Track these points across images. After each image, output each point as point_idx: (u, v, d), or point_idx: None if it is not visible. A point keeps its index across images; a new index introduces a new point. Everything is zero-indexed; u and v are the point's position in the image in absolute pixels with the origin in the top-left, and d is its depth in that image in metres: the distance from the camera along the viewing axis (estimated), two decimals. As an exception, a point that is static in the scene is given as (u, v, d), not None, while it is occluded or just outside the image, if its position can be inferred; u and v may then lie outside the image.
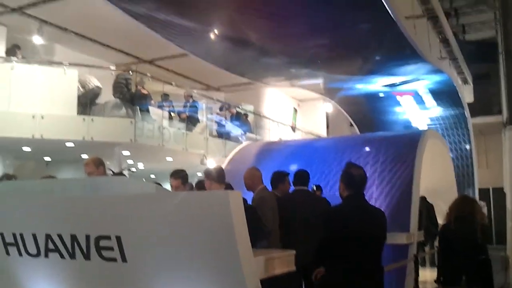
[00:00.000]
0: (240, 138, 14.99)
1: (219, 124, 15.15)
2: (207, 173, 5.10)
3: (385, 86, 16.04)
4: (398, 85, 15.88)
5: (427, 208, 9.82)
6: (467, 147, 18.69)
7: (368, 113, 18.96)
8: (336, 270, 3.90)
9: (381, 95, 16.99)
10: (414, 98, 17.28)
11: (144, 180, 8.86)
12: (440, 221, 10.56)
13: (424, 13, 13.93)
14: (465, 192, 17.12)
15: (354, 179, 4.02)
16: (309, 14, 10.67)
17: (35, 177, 11.70)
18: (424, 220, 8.90)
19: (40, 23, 12.88)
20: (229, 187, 5.69)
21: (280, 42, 12.41)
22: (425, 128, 17.80)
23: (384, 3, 9.39)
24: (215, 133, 14.94)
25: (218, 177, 4.99)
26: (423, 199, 9.88)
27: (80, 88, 11.47)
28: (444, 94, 16.96)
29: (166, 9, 10.70)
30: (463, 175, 18.29)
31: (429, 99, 17.11)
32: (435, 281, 5.73)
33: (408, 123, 18.91)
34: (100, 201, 3.68)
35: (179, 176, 5.76)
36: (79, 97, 11.21)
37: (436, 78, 15.31)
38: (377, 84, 15.83)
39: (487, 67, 23.30)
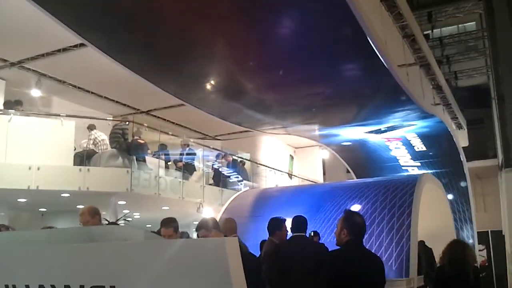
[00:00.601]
0: (237, 186, 14.95)
1: (216, 170, 15.15)
2: (204, 224, 5.07)
3: (369, 132, 16.22)
4: (383, 131, 16.05)
5: (426, 253, 9.69)
6: (463, 185, 18.64)
7: (363, 159, 19.06)
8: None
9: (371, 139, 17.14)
10: (402, 143, 17.43)
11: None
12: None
13: (416, 61, 14.20)
14: (464, 235, 17.04)
15: (357, 225, 4.15)
16: (304, 64, 10.85)
17: (30, 228, 11.62)
18: (424, 264, 8.77)
19: (38, 76, 13.12)
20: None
21: (276, 91, 12.57)
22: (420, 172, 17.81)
23: (377, 53, 9.58)
24: (211, 181, 14.93)
25: (214, 226, 4.98)
26: (421, 244, 9.77)
27: (91, 145, 11.68)
28: (437, 139, 17.09)
29: (163, 61, 10.89)
30: (461, 219, 18.21)
31: (418, 143, 17.25)
32: None
33: (400, 168, 18.97)
34: (94, 250, 3.63)
35: (171, 225, 5.71)
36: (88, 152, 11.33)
37: (429, 123, 15.45)
38: (361, 130, 16.02)
39: (481, 112, 23.64)
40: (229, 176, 15.32)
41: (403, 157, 18.33)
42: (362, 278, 3.90)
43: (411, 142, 17.17)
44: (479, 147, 22.70)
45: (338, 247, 4.17)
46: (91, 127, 12.27)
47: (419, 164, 18.33)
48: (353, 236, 4.08)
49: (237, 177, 15.45)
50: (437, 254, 10.19)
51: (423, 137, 16.67)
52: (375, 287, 4.06)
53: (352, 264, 3.96)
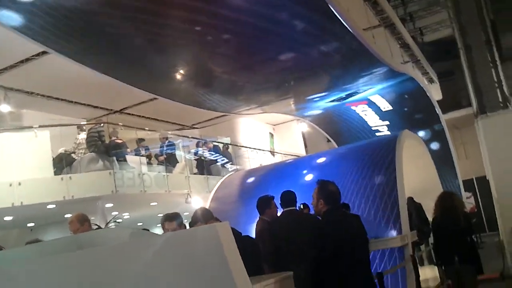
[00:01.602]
0: (220, 172, 14.94)
1: (199, 159, 15.11)
2: (199, 217, 5.08)
3: (331, 101, 16.39)
4: (345, 98, 16.23)
5: (416, 208, 9.88)
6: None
7: (340, 126, 19.27)
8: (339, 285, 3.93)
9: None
10: (368, 105, 17.62)
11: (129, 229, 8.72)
12: (430, 218, 10.66)
13: (380, 22, 14.28)
14: (449, 184, 17.35)
15: (332, 194, 4.28)
16: (270, 41, 10.83)
17: (20, 245, 11.47)
18: (415, 220, 8.93)
19: (4, 91, 12.85)
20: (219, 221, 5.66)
21: (246, 72, 12.54)
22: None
23: (341, 20, 9.58)
24: (195, 170, 14.90)
25: (204, 218, 4.99)
26: (410, 200, 9.94)
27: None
28: (409, 96, 17.29)
29: (128, 57, 10.76)
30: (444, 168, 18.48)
31: (383, 103, 17.45)
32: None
33: (370, 129, 19.19)
34: (86, 255, 3.61)
35: (174, 220, 5.68)
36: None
37: (399, 82, 15.60)
38: (327, 100, 16.17)
39: (450, 64, 23.90)
40: (215, 160, 15.32)
41: (372, 119, 18.54)
42: (346, 242, 4.03)
43: (376, 103, 17.36)
44: (453, 98, 23.01)
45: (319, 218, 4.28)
46: (81, 128, 12.15)
47: (387, 123, 18.52)
48: (330, 205, 4.21)
49: (223, 159, 15.46)
50: (427, 208, 10.42)
51: (389, 96, 16.84)
52: (360, 247, 4.21)
53: (334, 232, 4.07)
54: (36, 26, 8.51)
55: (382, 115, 18.21)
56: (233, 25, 9.90)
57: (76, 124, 12.92)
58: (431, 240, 10.00)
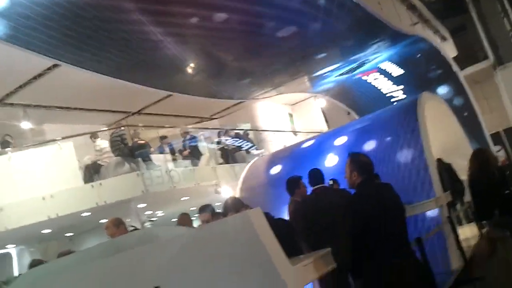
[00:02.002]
0: (245, 158, 14.99)
1: (222, 148, 15.17)
2: (225, 209, 5.15)
3: (341, 74, 16.22)
4: (355, 69, 16.04)
5: (445, 169, 9.75)
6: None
7: (356, 97, 19.11)
8: (378, 255, 3.94)
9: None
10: (379, 73, 17.41)
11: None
12: (463, 176, 10.54)
13: (384, -14, 14.03)
14: (477, 140, 17.10)
15: (365, 164, 4.23)
16: (275, 21, 10.76)
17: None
18: (447, 180, 8.83)
19: (23, 108, 13.03)
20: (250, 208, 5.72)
21: (255, 55, 12.49)
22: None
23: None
24: (221, 160, 14.97)
25: (235, 207, 5.04)
26: (439, 161, 9.83)
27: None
28: (423, 56, 17.01)
29: (140, 59, 10.81)
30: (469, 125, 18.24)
31: (394, 69, 17.22)
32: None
33: (385, 97, 18.98)
34: (126, 258, 3.68)
35: (207, 210, 5.77)
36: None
37: (411, 44, 15.35)
38: (335, 75, 16.02)
39: (461, 19, 23.47)
40: (240, 147, 15.39)
41: (385, 86, 18.35)
42: (380, 213, 4.00)
43: (387, 69, 17.15)
44: (468, 53, 22.61)
45: (354, 190, 4.25)
46: (94, 137, 12.27)
47: (402, 87, 18.30)
48: (364, 175, 4.17)
49: (247, 144, 15.52)
50: (457, 167, 10.31)
51: (400, 60, 16.60)
52: (396, 216, 4.18)
53: (367, 205, 4.05)
54: (42, 40, 8.58)
55: (395, 80, 18.01)
56: (232, 5, 9.84)
57: (97, 131, 13.07)
58: (466, 198, 9.94)
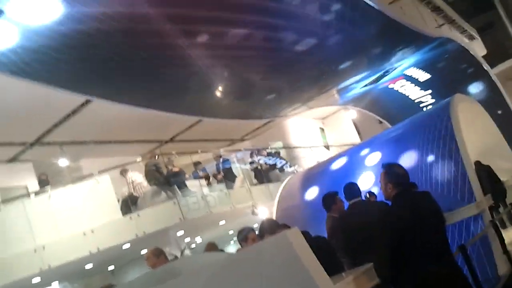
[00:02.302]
0: (280, 177, 14.92)
1: (256, 169, 15.15)
2: (261, 232, 5.10)
3: (365, 86, 16.06)
4: (381, 78, 15.85)
5: (485, 171, 9.49)
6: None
7: (388, 105, 18.88)
8: (418, 266, 3.82)
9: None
10: (406, 79, 17.17)
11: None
12: (503, 177, 10.23)
13: (405, -9, 13.93)
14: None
15: (400, 176, 4.15)
16: (300, 37, 10.76)
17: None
18: (487, 183, 8.57)
19: (59, 146, 13.32)
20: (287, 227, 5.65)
21: (282, 72, 12.50)
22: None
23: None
24: (255, 181, 14.95)
25: (271, 229, 4.99)
26: (478, 164, 9.58)
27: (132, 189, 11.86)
28: (451, 57, 16.72)
29: (169, 88, 10.95)
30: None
31: (420, 74, 16.95)
32: None
33: (413, 103, 18.68)
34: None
35: (246, 233, 5.69)
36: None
37: (438, 46, 15.12)
38: (360, 86, 15.87)
39: (488, 16, 23.09)
40: (274, 166, 15.37)
41: (413, 92, 18.09)
42: (417, 224, 3.89)
43: (413, 75, 16.90)
44: (498, 50, 22.17)
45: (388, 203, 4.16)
46: (124, 172, 12.42)
47: (430, 91, 17.98)
48: (399, 187, 4.07)
49: (281, 162, 15.50)
50: (497, 168, 10.02)
51: (425, 65, 16.33)
52: (441, 223, 4.08)
53: (407, 216, 3.94)
54: (73, 78, 8.79)
55: (422, 85, 17.75)
56: (257, 24, 9.88)
57: (132, 162, 13.25)
58: (508, 200, 9.64)
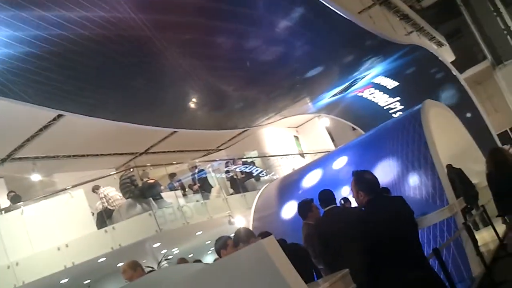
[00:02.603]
0: (256, 186, 14.95)
1: (231, 178, 15.16)
2: (236, 241, 5.11)
3: (335, 95, 16.28)
4: (348, 88, 16.10)
5: (457, 174, 9.69)
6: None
7: (359, 112, 19.13)
8: (392, 271, 3.87)
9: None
10: (374, 88, 17.45)
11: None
12: (474, 180, 10.44)
13: (374, 1, 14.14)
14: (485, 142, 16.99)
15: (370, 182, 4.18)
16: (271, 49, 10.83)
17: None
18: (459, 186, 8.75)
19: (32, 160, 13.15)
20: (266, 235, 5.67)
21: (255, 83, 12.56)
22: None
23: (334, 9, 9.54)
24: (231, 191, 14.95)
25: (246, 238, 5.01)
26: (450, 167, 9.77)
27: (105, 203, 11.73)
28: (420, 64, 17.02)
29: (141, 101, 10.89)
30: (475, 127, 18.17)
31: (388, 82, 17.25)
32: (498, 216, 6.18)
33: (382, 109, 18.99)
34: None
35: (222, 242, 5.68)
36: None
37: (404, 53, 15.38)
38: (329, 95, 16.08)
39: (456, 23, 23.61)
40: (250, 174, 15.39)
41: (381, 99, 18.38)
42: (390, 228, 3.95)
43: (381, 83, 17.19)
44: (467, 55, 22.66)
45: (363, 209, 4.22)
46: (96, 188, 12.28)
47: (398, 98, 18.30)
48: (371, 194, 4.12)
49: (257, 170, 15.54)
50: (468, 172, 10.23)
51: (394, 73, 16.61)
52: (414, 227, 4.15)
53: (380, 221, 3.99)
54: (44, 92, 8.68)
55: (391, 92, 18.03)
56: (231, 38, 9.92)
57: (106, 176, 13.11)
58: (480, 202, 9.83)
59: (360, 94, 17.68)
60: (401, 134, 8.22)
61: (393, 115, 18.18)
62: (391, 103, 18.65)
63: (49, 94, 8.84)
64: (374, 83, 17.00)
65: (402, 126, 8.60)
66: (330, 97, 16.49)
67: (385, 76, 16.72)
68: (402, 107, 18.30)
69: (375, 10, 13.76)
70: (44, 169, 13.65)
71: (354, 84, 16.10)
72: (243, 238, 5.04)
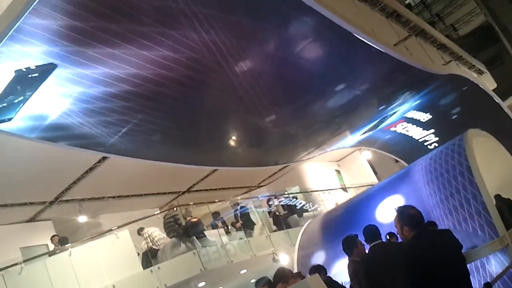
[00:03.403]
0: (299, 222, 14.85)
1: (274, 215, 15.13)
2: (277, 278, 5.14)
3: (366, 132, 16.12)
4: (378, 125, 15.93)
5: (506, 204, 9.38)
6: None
7: (398, 145, 18.84)
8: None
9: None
10: (407, 122, 17.21)
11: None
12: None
13: (410, 32, 14.15)
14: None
15: (414, 218, 4.15)
16: (311, 84, 10.88)
17: None
18: (509, 216, 8.45)
19: (79, 203, 13.49)
20: (318, 268, 5.69)
21: (295, 118, 12.61)
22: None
23: (370, 44, 9.57)
24: (274, 227, 14.89)
25: (284, 277, 5.04)
26: (498, 197, 9.47)
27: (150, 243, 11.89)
28: (461, 94, 16.74)
29: (183, 138, 11.08)
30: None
31: (421, 116, 16.97)
32: None
33: (417, 142, 18.64)
34: None
35: (262, 283, 5.72)
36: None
37: (446, 83, 15.16)
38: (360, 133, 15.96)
39: (495, 49, 23.29)
40: (294, 207, 15.37)
41: (416, 132, 18.08)
42: (438, 262, 3.87)
43: (414, 117, 16.94)
44: (509, 82, 22.23)
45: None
46: (140, 230, 12.48)
47: (433, 130, 17.94)
48: (415, 229, 4.07)
49: (301, 203, 15.51)
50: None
51: (426, 105, 16.32)
52: (455, 263, 4.02)
53: (427, 256, 3.92)
54: (90, 136, 8.95)
55: (424, 125, 17.73)
56: (274, 75, 10.03)
57: (151, 215, 13.31)
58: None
59: (392, 129, 17.47)
60: (445, 165, 8.07)
61: (429, 146, 17.86)
62: (426, 135, 18.34)
63: (97, 137, 9.08)
64: (406, 117, 16.81)
65: (446, 156, 8.45)
66: (362, 134, 16.34)
67: (417, 110, 16.50)
68: (437, 138, 17.97)
69: (411, 42, 13.76)
70: (90, 210, 13.98)
71: (384, 121, 15.92)
72: (282, 278, 5.05)
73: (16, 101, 6.37)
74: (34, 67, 5.96)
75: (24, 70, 5.90)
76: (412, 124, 17.52)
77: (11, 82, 5.92)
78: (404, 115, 16.47)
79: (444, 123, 17.43)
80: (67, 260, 10.87)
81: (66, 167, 11.38)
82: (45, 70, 6.15)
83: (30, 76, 6.03)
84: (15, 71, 5.84)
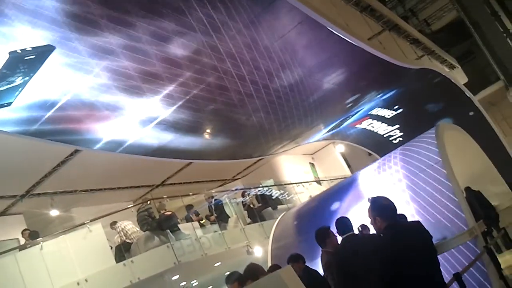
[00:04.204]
0: (273, 215, 14.90)
1: (248, 207, 15.16)
2: (245, 277, 5.14)
3: (330, 130, 16.29)
4: (342, 123, 16.12)
5: (475, 197, 9.58)
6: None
7: (367, 139, 19.08)
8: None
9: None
10: (372, 119, 17.45)
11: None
12: (494, 202, 10.32)
13: (383, 27, 14.25)
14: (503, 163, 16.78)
15: (386, 208, 4.17)
16: (285, 79, 10.90)
17: None
18: (478, 208, 8.64)
19: (50, 196, 13.27)
20: (275, 268, 5.70)
21: (269, 112, 12.61)
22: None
23: (344, 38, 9.62)
24: (248, 220, 14.91)
25: (253, 275, 5.05)
26: (468, 190, 9.67)
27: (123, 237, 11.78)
28: (434, 88, 16.99)
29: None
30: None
31: (385, 112, 17.22)
32: None
33: (382, 137, 18.93)
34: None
35: (233, 279, 5.71)
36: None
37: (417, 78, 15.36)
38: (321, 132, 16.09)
39: (467, 45, 23.67)
40: (271, 196, 15.43)
41: (380, 128, 18.36)
42: (410, 254, 3.92)
43: (379, 114, 17.17)
44: (480, 77, 22.64)
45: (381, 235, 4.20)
46: (113, 224, 12.36)
47: (397, 126, 18.23)
48: (388, 219, 4.10)
49: (276, 192, 15.58)
50: (488, 194, 10.11)
51: (394, 101, 16.54)
52: (434, 252, 4.11)
53: (398, 248, 3.96)
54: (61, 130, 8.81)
55: (389, 121, 17.98)
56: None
57: (124, 209, 13.18)
58: (501, 224, 9.70)
59: (358, 126, 17.70)
60: (416, 158, 8.18)
61: (393, 141, 18.16)
62: (391, 131, 18.62)
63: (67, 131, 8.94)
64: (371, 114, 17.02)
65: (417, 150, 8.56)
66: (327, 132, 16.49)
67: (382, 107, 16.71)
68: (401, 134, 18.26)
69: (385, 36, 13.87)
70: (62, 204, 13.76)
71: (348, 119, 16.11)
72: (252, 275, 5.06)
73: (14, 84, 6.12)
74: (30, 49, 5.74)
75: (20, 51, 5.66)
76: (377, 121, 17.78)
77: (5, 64, 5.68)
78: (369, 112, 16.67)
79: (410, 119, 17.71)
80: (38, 254, 10.69)
81: (37, 159, 11.17)
82: (42, 52, 5.92)
83: (26, 58, 5.79)
84: (9, 53, 5.60)
